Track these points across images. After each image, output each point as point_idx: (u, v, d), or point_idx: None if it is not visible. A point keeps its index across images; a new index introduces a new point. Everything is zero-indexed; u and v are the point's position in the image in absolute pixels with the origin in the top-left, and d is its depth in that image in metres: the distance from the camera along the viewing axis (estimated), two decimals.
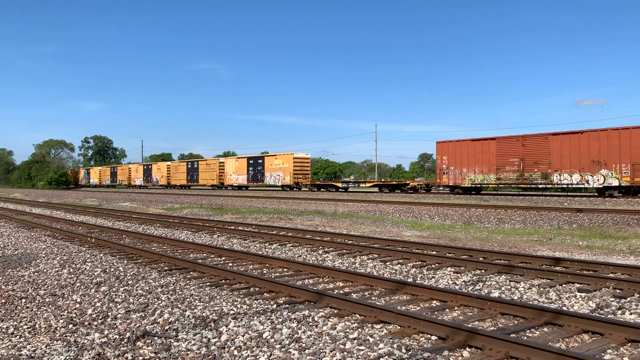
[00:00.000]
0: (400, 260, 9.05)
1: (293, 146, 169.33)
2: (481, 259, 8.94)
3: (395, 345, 4.44)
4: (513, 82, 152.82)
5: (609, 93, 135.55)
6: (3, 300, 6.52)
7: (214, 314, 5.58)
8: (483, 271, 7.99)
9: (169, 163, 64.47)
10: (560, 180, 27.43)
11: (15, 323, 5.51)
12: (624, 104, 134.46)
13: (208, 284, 7.25)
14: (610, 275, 7.47)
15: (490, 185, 30.83)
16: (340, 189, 41.27)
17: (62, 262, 9.28)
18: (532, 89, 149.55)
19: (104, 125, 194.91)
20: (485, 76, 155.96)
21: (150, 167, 67.19)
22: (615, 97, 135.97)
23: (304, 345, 4.53)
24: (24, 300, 6.52)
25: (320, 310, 5.71)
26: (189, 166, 58.46)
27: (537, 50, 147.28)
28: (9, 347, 4.69)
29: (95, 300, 6.39)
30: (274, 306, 5.91)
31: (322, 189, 42.54)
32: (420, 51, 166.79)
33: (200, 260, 9.15)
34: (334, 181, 47.48)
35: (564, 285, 6.96)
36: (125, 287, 7.04)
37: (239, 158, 52.33)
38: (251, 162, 49.41)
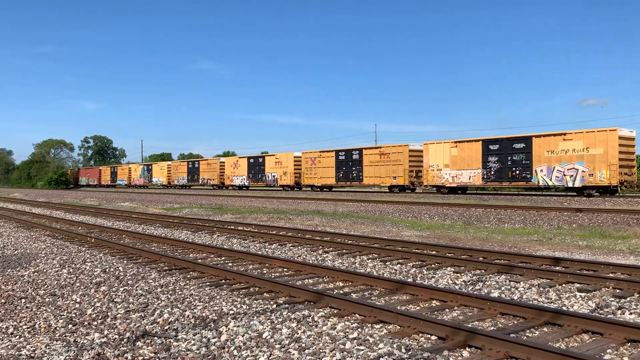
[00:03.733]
0: (400, 260, 9.05)
1: (293, 146, 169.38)
2: (481, 258, 8.94)
3: (395, 345, 4.44)
4: (514, 82, 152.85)
5: (611, 92, 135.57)
6: (3, 300, 6.52)
7: (214, 314, 5.57)
8: (483, 271, 7.99)
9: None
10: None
11: (14, 323, 5.51)
12: (624, 103, 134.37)
13: (208, 283, 7.25)
14: (610, 275, 7.47)
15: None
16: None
17: (61, 262, 9.28)
18: (534, 88, 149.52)
19: (103, 125, 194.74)
20: (485, 76, 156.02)
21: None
22: (618, 97, 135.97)
23: (303, 345, 4.53)
24: (23, 300, 6.52)
25: (320, 310, 5.71)
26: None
27: (538, 50, 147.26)
28: (9, 347, 4.69)
29: (95, 300, 6.39)
30: (274, 306, 5.91)
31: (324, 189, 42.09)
32: (420, 51, 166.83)
33: (200, 260, 9.15)
34: None
35: (563, 285, 6.96)
36: (125, 287, 7.04)
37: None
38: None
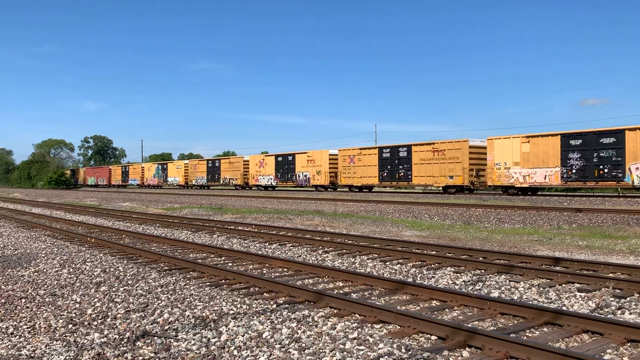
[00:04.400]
0: (400, 260, 9.05)
1: (293, 146, 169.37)
2: (481, 258, 8.94)
3: (395, 345, 4.44)
4: (514, 82, 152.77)
5: (612, 92, 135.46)
6: (3, 300, 6.52)
7: (214, 314, 5.58)
8: (483, 271, 7.99)
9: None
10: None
11: (15, 323, 5.51)
12: (626, 102, 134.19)
13: (208, 283, 7.26)
14: (610, 275, 7.47)
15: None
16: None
17: (61, 262, 9.28)
18: (534, 88, 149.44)
19: (103, 125, 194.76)
20: (486, 76, 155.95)
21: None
22: (618, 96, 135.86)
23: (303, 345, 4.53)
24: (23, 300, 6.52)
25: (320, 310, 5.71)
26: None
27: (539, 50, 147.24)
28: (9, 347, 4.69)
29: (95, 300, 6.39)
30: (274, 306, 5.91)
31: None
32: (420, 51, 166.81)
33: (200, 260, 9.15)
34: None
35: (563, 285, 6.96)
36: (125, 287, 7.04)
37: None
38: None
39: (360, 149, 38.46)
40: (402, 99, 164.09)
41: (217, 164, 53.03)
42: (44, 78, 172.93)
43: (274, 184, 45.95)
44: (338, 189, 41.09)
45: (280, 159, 45.71)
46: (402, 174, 34.74)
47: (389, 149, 36.03)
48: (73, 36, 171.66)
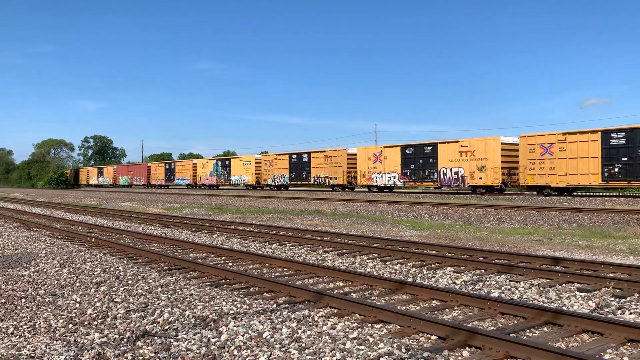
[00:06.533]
0: (400, 260, 9.05)
1: (293, 146, 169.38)
2: (481, 258, 8.94)
3: (395, 345, 4.44)
4: (515, 82, 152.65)
5: (613, 92, 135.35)
6: (3, 300, 6.52)
7: (214, 314, 5.58)
8: (483, 271, 7.99)
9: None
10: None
11: (15, 323, 5.51)
12: (627, 102, 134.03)
13: (208, 283, 7.26)
14: (610, 274, 7.47)
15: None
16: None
17: (62, 261, 9.28)
18: (535, 88, 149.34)
19: (103, 125, 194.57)
20: (486, 76, 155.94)
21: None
22: (619, 96, 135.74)
23: (303, 345, 4.53)
24: (23, 300, 6.52)
25: (320, 310, 5.71)
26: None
27: (540, 50, 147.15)
28: (9, 346, 4.69)
29: (95, 300, 6.39)
30: (274, 306, 5.91)
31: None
32: (420, 51, 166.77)
33: (200, 260, 9.15)
34: None
35: (563, 284, 6.96)
36: (125, 287, 7.04)
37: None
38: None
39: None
40: (402, 99, 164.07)
41: (304, 159, 42.05)
42: (44, 78, 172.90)
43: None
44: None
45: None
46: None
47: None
48: (73, 36, 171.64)
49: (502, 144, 28.99)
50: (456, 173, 30.63)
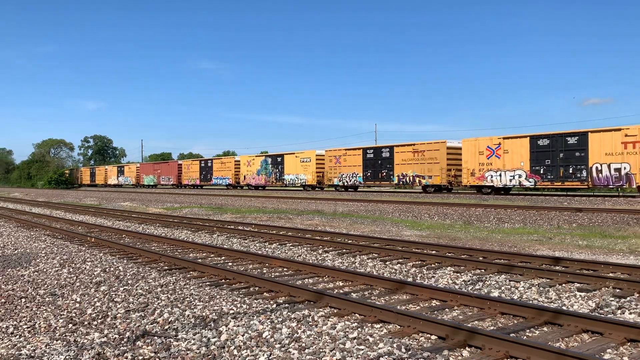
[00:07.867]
0: (400, 260, 9.05)
1: (293, 146, 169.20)
2: (481, 258, 8.94)
3: (395, 345, 4.44)
4: (515, 82, 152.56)
5: (614, 92, 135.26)
6: (3, 300, 6.52)
7: (214, 314, 5.58)
8: (483, 271, 7.99)
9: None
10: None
11: (15, 323, 5.50)
12: (629, 102, 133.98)
13: (208, 283, 7.25)
14: (610, 274, 7.47)
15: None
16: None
17: (61, 261, 9.28)
18: (535, 88, 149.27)
19: (103, 124, 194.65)
20: (486, 76, 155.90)
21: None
22: (621, 96, 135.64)
23: (303, 344, 4.53)
24: (23, 300, 6.52)
25: (320, 309, 5.71)
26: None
27: (540, 50, 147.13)
28: (9, 346, 4.69)
29: (95, 299, 6.39)
30: (274, 306, 5.91)
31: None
32: (420, 51, 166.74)
33: (200, 260, 9.15)
34: None
35: (563, 284, 6.96)
36: (125, 287, 7.04)
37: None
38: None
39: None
40: (402, 99, 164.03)
41: (384, 153, 34.69)
42: (44, 78, 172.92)
43: (526, 183, 28.81)
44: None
45: (543, 141, 27.95)
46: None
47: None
48: (73, 35, 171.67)
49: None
50: (617, 170, 24.26)
